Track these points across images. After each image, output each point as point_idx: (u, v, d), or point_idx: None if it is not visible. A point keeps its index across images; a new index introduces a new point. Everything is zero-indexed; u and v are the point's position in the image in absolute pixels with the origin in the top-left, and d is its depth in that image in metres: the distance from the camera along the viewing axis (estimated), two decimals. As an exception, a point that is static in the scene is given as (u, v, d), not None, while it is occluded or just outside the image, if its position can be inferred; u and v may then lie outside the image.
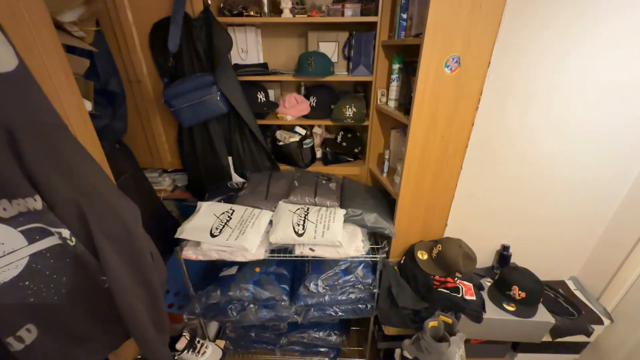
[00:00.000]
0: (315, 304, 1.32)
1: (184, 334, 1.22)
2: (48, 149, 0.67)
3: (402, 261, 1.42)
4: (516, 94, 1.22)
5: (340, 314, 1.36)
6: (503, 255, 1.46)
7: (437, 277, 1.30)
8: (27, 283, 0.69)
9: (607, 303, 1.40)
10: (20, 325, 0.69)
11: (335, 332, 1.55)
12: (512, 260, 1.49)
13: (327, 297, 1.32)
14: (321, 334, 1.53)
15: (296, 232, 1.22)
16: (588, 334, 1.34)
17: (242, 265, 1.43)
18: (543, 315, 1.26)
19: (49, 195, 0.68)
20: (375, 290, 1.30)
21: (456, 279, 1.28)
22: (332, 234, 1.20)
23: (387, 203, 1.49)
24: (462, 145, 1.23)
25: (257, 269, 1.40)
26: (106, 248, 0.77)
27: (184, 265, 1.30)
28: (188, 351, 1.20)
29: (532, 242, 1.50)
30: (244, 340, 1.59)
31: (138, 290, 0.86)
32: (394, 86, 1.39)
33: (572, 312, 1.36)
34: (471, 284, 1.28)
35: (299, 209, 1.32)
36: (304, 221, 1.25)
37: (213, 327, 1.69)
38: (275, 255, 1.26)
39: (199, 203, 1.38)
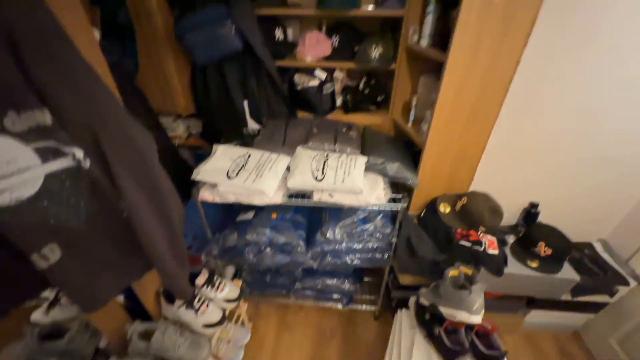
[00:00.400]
0: (331, 251, 1.31)
1: (202, 271, 1.25)
2: (54, 60, 0.61)
3: (421, 214, 1.38)
4: (574, 30, 1.05)
5: (356, 262, 1.36)
6: (530, 212, 1.38)
7: (459, 230, 1.25)
8: (45, 204, 0.67)
9: (637, 265, 1.33)
10: (43, 244, 0.69)
11: (349, 280, 1.57)
12: (539, 219, 1.42)
13: (344, 245, 1.31)
14: (335, 281, 1.56)
15: (315, 178, 1.17)
16: (612, 294, 1.30)
17: (258, 210, 1.42)
18: (568, 273, 1.22)
19: (58, 112, 0.63)
20: (393, 240, 1.27)
21: (479, 232, 1.23)
22: (353, 180, 1.15)
23: (410, 155, 1.40)
24: (503, 88, 1.10)
25: (274, 215, 1.39)
26: (123, 175, 0.74)
27: (201, 208, 1.30)
28: (207, 287, 1.24)
29: (564, 201, 1.41)
30: (259, 283, 1.65)
31: (156, 221, 0.85)
32: (429, 21, 1.22)
33: (597, 272, 1.31)
34: (495, 238, 1.24)
35: (318, 154, 1.26)
36: (324, 166, 1.20)
37: (229, 272, 1.75)
38: (293, 200, 1.23)
39: (214, 146, 1.34)
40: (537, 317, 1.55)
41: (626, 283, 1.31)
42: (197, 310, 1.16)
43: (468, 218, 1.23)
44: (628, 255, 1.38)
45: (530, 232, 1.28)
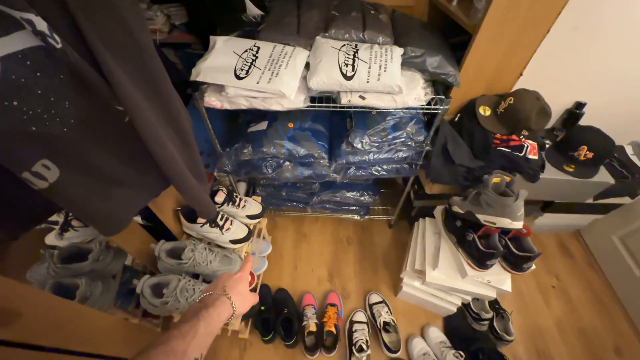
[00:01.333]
0: (357, 162, 1.21)
1: (220, 188, 1.16)
2: None
3: (456, 119, 1.24)
4: None
5: (382, 173, 1.27)
6: (574, 113, 1.26)
7: (498, 136, 1.14)
8: (15, 103, 0.48)
9: (667, 167, 1.30)
10: (33, 160, 0.53)
11: (369, 192, 1.53)
12: (580, 121, 1.31)
13: (371, 155, 1.19)
14: (354, 193, 1.52)
15: (344, 75, 0.96)
16: (633, 195, 1.31)
17: (272, 120, 1.24)
18: (603, 176, 1.18)
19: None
20: (427, 148, 1.16)
21: (522, 136, 1.12)
22: (391, 77, 0.95)
23: (449, 46, 1.16)
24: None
25: (291, 125, 1.22)
26: (109, 60, 0.53)
27: (206, 117, 1.11)
28: (228, 204, 1.16)
29: (608, 103, 1.28)
30: (275, 198, 1.59)
31: (165, 125, 0.69)
32: None
33: (626, 174, 1.28)
34: (536, 143, 1.14)
35: (344, 45, 1.02)
36: (354, 60, 0.98)
37: (241, 189, 1.68)
38: (317, 105, 1.05)
39: (211, 38, 1.06)
40: (546, 219, 1.60)
41: (650, 185, 1.30)
42: (221, 228, 1.10)
43: (512, 120, 1.10)
44: (659, 157, 1.34)
45: (572, 135, 1.18)
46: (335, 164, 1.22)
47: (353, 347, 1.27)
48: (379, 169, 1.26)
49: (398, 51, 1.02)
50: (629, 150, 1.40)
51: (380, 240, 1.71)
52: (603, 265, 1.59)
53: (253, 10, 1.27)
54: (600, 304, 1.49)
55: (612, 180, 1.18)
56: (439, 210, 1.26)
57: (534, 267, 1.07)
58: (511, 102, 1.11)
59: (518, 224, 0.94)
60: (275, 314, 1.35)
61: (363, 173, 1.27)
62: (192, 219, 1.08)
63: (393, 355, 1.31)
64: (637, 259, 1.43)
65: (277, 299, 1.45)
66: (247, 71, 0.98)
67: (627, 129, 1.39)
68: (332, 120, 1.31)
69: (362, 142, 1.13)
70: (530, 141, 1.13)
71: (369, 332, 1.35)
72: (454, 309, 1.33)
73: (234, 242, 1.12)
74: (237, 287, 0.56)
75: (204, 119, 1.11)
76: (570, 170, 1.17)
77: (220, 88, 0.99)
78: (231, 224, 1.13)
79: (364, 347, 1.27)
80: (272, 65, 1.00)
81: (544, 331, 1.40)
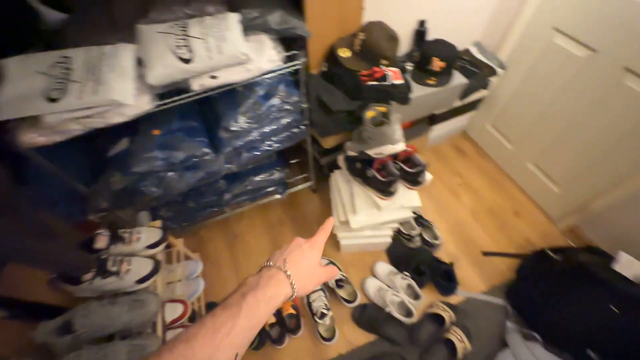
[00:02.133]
0: (244, 145, 1.14)
1: (97, 232, 0.98)
2: None
3: (323, 69, 1.24)
4: None
5: (276, 145, 1.23)
6: (420, 31, 1.37)
7: (363, 72, 1.18)
8: None
9: (502, 55, 1.53)
10: None
11: (277, 168, 1.49)
12: (427, 37, 1.43)
13: (255, 133, 1.13)
14: (263, 176, 1.46)
15: (182, 59, 0.86)
16: (486, 86, 1.52)
17: (132, 135, 1.08)
18: (457, 79, 1.33)
19: None
20: (305, 106, 1.15)
21: (382, 66, 1.18)
22: (233, 46, 0.88)
23: (295, 6, 1.12)
24: None
25: (156, 132, 1.07)
26: None
27: (42, 159, 0.90)
28: (116, 245, 1.00)
29: (443, 15, 1.41)
30: (185, 213, 1.45)
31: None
32: None
33: (475, 71, 1.47)
34: (397, 69, 1.21)
35: (170, 27, 0.90)
36: (186, 40, 0.87)
37: (144, 217, 1.48)
38: (169, 101, 0.93)
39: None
40: (436, 131, 1.79)
41: (494, 73, 1.52)
42: (117, 273, 0.95)
43: (369, 54, 1.14)
44: (495, 48, 1.56)
45: (424, 50, 1.28)
46: (223, 155, 1.13)
47: (315, 317, 1.29)
48: (271, 142, 1.22)
49: (233, 17, 0.94)
50: (474, 51, 1.60)
51: (310, 208, 1.72)
52: (489, 152, 1.87)
53: (51, 15, 1.02)
54: (496, 183, 1.77)
55: (465, 80, 1.34)
56: (341, 160, 1.29)
57: (430, 177, 1.18)
58: (362, 37, 1.14)
59: (400, 146, 1.01)
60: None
61: (257, 153, 1.21)
62: (76, 281, 0.91)
63: (354, 304, 1.38)
64: (506, 136, 1.71)
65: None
66: (62, 89, 0.80)
67: (467, 33, 1.57)
68: (204, 110, 1.19)
69: (238, 123, 1.06)
70: (391, 68, 1.20)
71: (326, 296, 1.39)
72: (390, 239, 1.44)
73: (140, 281, 0.99)
74: (302, 261, 0.44)
75: (41, 162, 0.90)
76: (432, 82, 1.29)
77: (33, 119, 0.80)
78: (129, 264, 0.98)
79: (325, 311, 1.30)
80: (93, 73, 0.83)
81: (463, 223, 1.62)
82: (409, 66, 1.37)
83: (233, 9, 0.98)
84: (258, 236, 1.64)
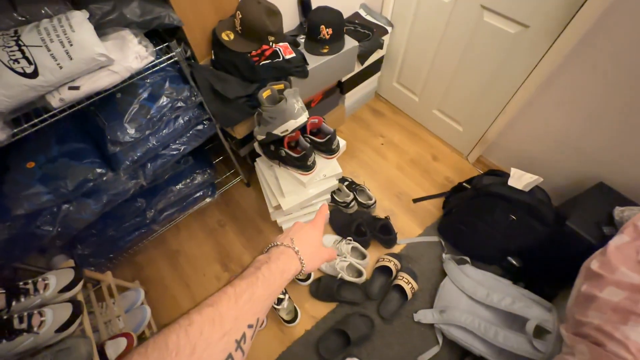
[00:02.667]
0: (144, 155, 1.05)
1: (-11, 292, 0.85)
2: None
3: (212, 57, 1.17)
4: None
5: (182, 147, 1.16)
6: (304, 1, 1.36)
7: (253, 53, 1.14)
8: None
9: (387, 13, 1.60)
10: None
11: (197, 172, 1.42)
12: (312, 6, 1.43)
13: (152, 140, 1.05)
14: (184, 182, 1.38)
15: (23, 74, 0.74)
16: (381, 46, 1.59)
17: (1, 174, 0.92)
18: (348, 43, 1.36)
19: None
20: (199, 99, 1.08)
21: (271, 43, 1.16)
22: (84, 47, 0.78)
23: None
24: None
25: (31, 164, 0.94)
26: None
27: None
28: (19, 301, 0.87)
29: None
30: (108, 244, 1.32)
31: None
32: None
33: (368, 33, 1.53)
34: (287, 43, 1.20)
35: (-1, 38, 0.76)
36: (22, 51, 0.75)
37: (59, 260, 1.31)
38: (27, 126, 0.81)
39: None
40: (350, 99, 1.85)
41: (386, 32, 1.60)
42: (28, 330, 0.84)
43: (252, 32, 1.10)
44: (380, 7, 1.63)
45: (310, 20, 1.28)
46: (122, 172, 1.03)
47: (273, 304, 1.30)
48: (176, 146, 1.14)
49: (79, 16, 0.82)
50: (362, 13, 1.65)
51: (247, 203, 1.68)
52: (402, 108, 1.99)
53: None
54: (413, 135, 1.91)
55: (356, 43, 1.38)
56: (256, 146, 1.26)
57: (343, 143, 1.22)
58: (240, 16, 1.09)
59: (302, 119, 1.02)
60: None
61: (163, 161, 1.13)
62: (-26, 351, 0.78)
63: (308, 282, 1.41)
64: (411, 90, 1.83)
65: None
66: None
67: (351, -3, 1.61)
68: (86, 127, 1.06)
69: (126, 133, 0.97)
70: (280, 44, 1.18)
71: (280, 281, 1.40)
72: (328, 211, 1.48)
73: (61, 329, 0.88)
74: (307, 239, 0.48)
75: None
76: (326, 50, 1.31)
77: None
78: (43, 315, 0.87)
79: (282, 296, 1.31)
80: None
81: (392, 178, 1.73)
82: (302, 39, 1.37)
83: (78, 6, 0.86)
84: (200, 244, 1.56)
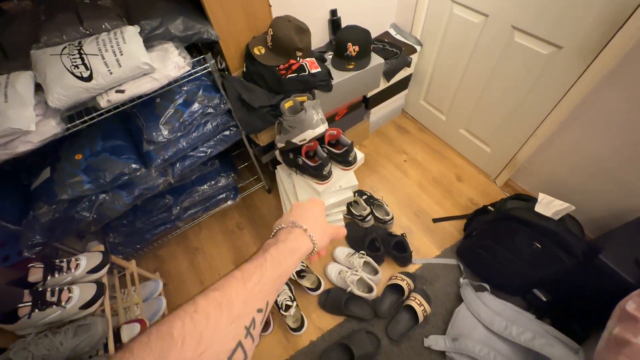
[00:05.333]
0: (174, 155, 1.14)
1: (30, 265, 0.95)
2: None
3: (244, 69, 1.27)
4: None
5: (211, 150, 1.25)
6: (334, 21, 1.43)
7: (281, 67, 1.21)
8: None
9: (417, 32, 1.63)
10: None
11: (222, 175, 1.50)
12: (342, 24, 1.50)
13: (182, 141, 1.14)
14: (209, 184, 1.47)
15: (81, 77, 0.86)
16: (409, 64, 1.61)
17: (53, 163, 1.06)
18: (374, 60, 1.40)
19: None
20: (228, 107, 1.17)
21: (298, 58, 1.22)
22: (132, 57, 0.89)
23: (192, 3, 1.14)
24: None
25: (79, 156, 1.06)
26: None
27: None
28: (53, 276, 0.97)
29: (351, 2, 1.49)
30: (136, 235, 1.43)
31: None
32: None
33: (396, 52, 1.56)
34: (313, 58, 1.26)
35: (65, 47, 0.89)
36: (82, 58, 0.87)
37: (93, 246, 1.44)
38: (79, 122, 0.92)
39: None
40: (375, 115, 1.87)
41: (414, 50, 1.62)
42: (57, 303, 0.93)
43: (282, 48, 1.18)
44: (409, 27, 1.66)
45: (338, 38, 1.34)
46: (154, 169, 1.13)
47: (281, 310, 1.31)
48: (203, 148, 1.23)
49: (131, 30, 0.95)
50: (392, 32, 1.69)
51: (267, 209, 1.74)
52: (427, 125, 1.97)
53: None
54: (438, 153, 1.87)
55: (382, 60, 1.41)
56: (277, 154, 1.32)
57: (361, 155, 1.24)
58: (272, 33, 1.18)
59: (320, 129, 1.06)
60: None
61: (190, 161, 1.22)
62: (12, 317, 0.88)
63: (319, 292, 1.41)
64: (438, 108, 1.81)
65: (195, 322, 1.36)
66: (-44, 126, 0.78)
67: (381, 16, 1.66)
68: (129, 127, 1.19)
69: (161, 134, 1.06)
70: (307, 59, 1.25)
71: (291, 288, 1.41)
72: (344, 223, 1.48)
73: (85, 306, 0.97)
74: (312, 215, 0.45)
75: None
76: (352, 67, 1.36)
77: None
78: (70, 292, 0.96)
79: (289, 303, 1.32)
80: (-13, 104, 0.81)
81: (412, 196, 1.69)
82: (329, 55, 1.43)
83: (132, 22, 0.99)
84: (218, 245, 1.63)
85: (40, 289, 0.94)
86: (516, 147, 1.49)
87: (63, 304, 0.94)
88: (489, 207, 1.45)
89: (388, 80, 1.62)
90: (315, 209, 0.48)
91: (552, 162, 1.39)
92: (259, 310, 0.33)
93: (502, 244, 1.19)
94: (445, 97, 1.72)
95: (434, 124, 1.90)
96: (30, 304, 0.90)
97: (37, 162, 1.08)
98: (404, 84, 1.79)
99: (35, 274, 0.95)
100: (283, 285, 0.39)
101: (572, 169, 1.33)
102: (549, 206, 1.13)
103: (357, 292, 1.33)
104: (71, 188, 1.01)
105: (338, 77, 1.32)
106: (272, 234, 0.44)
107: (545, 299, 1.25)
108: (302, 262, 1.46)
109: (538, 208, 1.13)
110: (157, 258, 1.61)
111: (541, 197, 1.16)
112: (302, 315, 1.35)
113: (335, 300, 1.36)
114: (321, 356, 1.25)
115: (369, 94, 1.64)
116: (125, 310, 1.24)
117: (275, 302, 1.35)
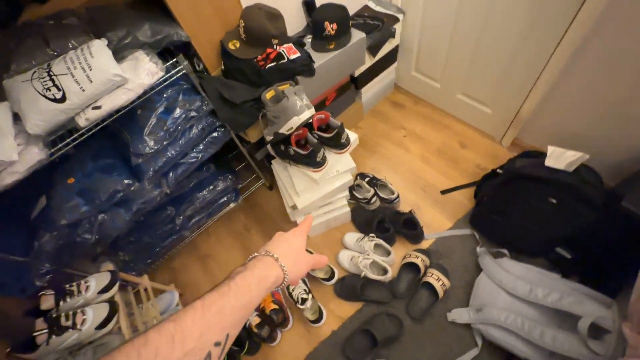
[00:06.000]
0: (165, 164, 1.13)
1: (40, 294, 0.96)
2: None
3: (222, 67, 1.23)
4: None
5: (201, 155, 1.23)
6: (307, 3, 1.37)
7: (259, 58, 1.17)
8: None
9: (397, 0, 1.55)
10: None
11: (219, 178, 1.48)
12: (317, 5, 1.43)
13: (170, 150, 1.12)
14: (208, 189, 1.45)
15: (54, 99, 0.84)
16: (393, 34, 1.54)
17: (48, 190, 1.06)
18: (355, 36, 1.34)
19: None
20: (210, 107, 1.14)
21: (275, 46, 1.18)
22: (101, 71, 0.87)
23: (160, 9, 1.11)
24: None
25: (71, 180, 1.06)
26: None
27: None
28: (65, 301, 0.98)
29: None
30: (146, 251, 1.43)
31: None
32: None
33: (378, 24, 1.48)
34: (291, 44, 1.21)
35: (35, 72, 0.88)
36: (52, 80, 0.85)
37: (105, 267, 1.46)
38: (62, 145, 0.91)
39: None
40: (367, 94, 1.80)
41: (397, 20, 1.54)
42: (73, 327, 0.94)
43: (256, 38, 1.14)
44: (390, -4, 1.58)
45: (314, 19, 1.29)
46: (146, 181, 1.12)
47: (297, 304, 1.30)
48: (194, 154, 1.21)
49: (98, 44, 0.92)
50: (372, 5, 1.61)
51: (270, 206, 1.72)
52: (423, 96, 1.89)
53: None
54: (437, 123, 1.80)
55: (363, 35, 1.35)
56: (270, 148, 1.29)
57: (355, 136, 1.19)
58: (244, 24, 1.13)
59: (305, 115, 1.01)
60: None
61: (183, 168, 1.20)
62: (31, 346, 0.89)
63: (332, 282, 1.38)
64: (431, 76, 1.73)
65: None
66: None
67: (358, -10, 1.58)
68: (115, 144, 1.17)
69: (147, 145, 1.05)
70: (284, 45, 1.20)
71: (305, 281, 1.39)
72: (349, 208, 1.45)
73: (100, 326, 0.97)
74: (287, 246, 0.45)
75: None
76: (332, 47, 1.30)
77: None
78: (84, 314, 0.97)
79: (305, 296, 1.30)
80: (-32, 141, 0.81)
81: (416, 171, 1.64)
82: (309, 39, 1.37)
83: (99, 35, 0.96)
84: (228, 248, 1.63)
85: (54, 315, 0.95)
86: (518, 103, 1.40)
87: (78, 326, 0.95)
88: (497, 170, 1.39)
89: (374, 56, 1.56)
90: (293, 239, 0.47)
91: (558, 113, 1.31)
92: (217, 344, 0.31)
93: (516, 205, 1.13)
94: (437, 63, 1.64)
95: (430, 93, 1.82)
96: (46, 331, 0.91)
97: (33, 192, 1.09)
98: (391, 57, 1.72)
99: (47, 301, 0.96)
100: (250, 314, 0.38)
101: (581, 116, 1.25)
102: (560, 158, 1.06)
103: (372, 276, 1.30)
104: (68, 212, 1.02)
105: (319, 59, 1.27)
106: (244, 263, 0.43)
107: (569, 256, 1.19)
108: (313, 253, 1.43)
109: (549, 162, 1.06)
110: (171, 269, 1.62)
111: (551, 150, 1.09)
112: (319, 307, 1.33)
113: (351, 287, 1.33)
114: (344, 344, 1.23)
115: (357, 73, 1.58)
116: (145, 325, 1.25)
117: (291, 296, 1.34)
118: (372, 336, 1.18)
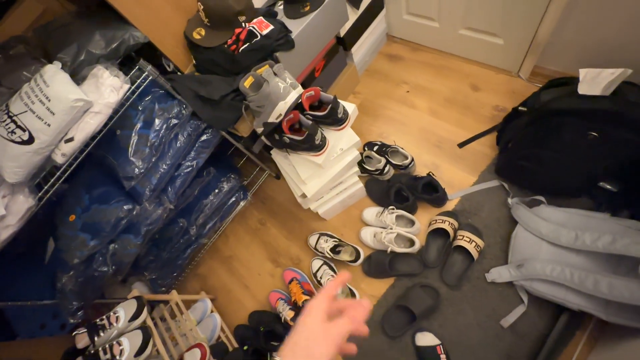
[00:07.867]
0: (159, 181, 1.07)
1: (75, 333, 0.97)
2: None
3: (194, 62, 1.11)
4: None
5: (196, 162, 1.16)
6: (268, -37, 1.19)
7: (229, 42, 1.04)
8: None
9: None
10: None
11: (222, 179, 1.42)
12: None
13: (161, 165, 1.05)
14: (214, 193, 1.40)
15: (22, 142, 0.78)
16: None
17: (53, 232, 1.04)
18: (332, -11, 1.16)
19: None
20: (190, 110, 1.04)
21: (243, 24, 1.04)
22: (60, 99, 0.78)
23: (112, 11, 0.98)
24: None
25: (72, 217, 1.03)
26: None
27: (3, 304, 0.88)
28: (99, 336, 0.99)
29: None
30: (168, 266, 1.43)
31: None
32: None
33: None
34: (260, 17, 1.06)
35: (-6, 115, 0.81)
36: (14, 121, 0.78)
37: (135, 292, 1.48)
38: (48, 187, 0.86)
39: None
40: (358, 54, 1.62)
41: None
42: (112, 359, 0.95)
43: (220, 20, 1.00)
44: None
45: (281, -19, 1.12)
46: (147, 202, 1.07)
47: (328, 291, 1.26)
48: (188, 163, 1.14)
49: (50, 70, 0.83)
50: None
51: (281, 196, 1.65)
52: (421, 42, 1.68)
53: None
54: (442, 68, 1.61)
55: (340, -14, 1.16)
56: (265, 139, 1.19)
57: (353, 107, 1.07)
58: (202, 6, 1.00)
59: (292, 96, 0.90)
60: (257, 339, 1.29)
61: (181, 180, 1.14)
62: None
63: (359, 262, 1.33)
64: (426, 15, 1.52)
65: (253, 326, 1.38)
66: None
67: None
68: (102, 171, 1.11)
69: (135, 167, 0.98)
70: (254, 21, 1.05)
71: (331, 267, 1.36)
72: (362, 184, 1.36)
73: (138, 353, 0.98)
74: (296, 337, 0.38)
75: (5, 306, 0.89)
76: (307, 8, 1.13)
77: None
78: (120, 344, 0.98)
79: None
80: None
81: (427, 127, 1.50)
82: (281, 6, 1.21)
83: (51, 58, 0.87)
84: (248, 246, 1.61)
85: (92, 351, 0.96)
86: (535, 24, 1.20)
87: (118, 357, 0.96)
88: (519, 108, 1.22)
89: (357, 7, 1.37)
90: (302, 328, 0.39)
91: (586, 23, 1.10)
92: None
93: (547, 147, 1.00)
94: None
95: (428, 36, 1.62)
96: (88, 369, 0.92)
97: (40, 237, 1.08)
98: (377, 4, 1.52)
99: (82, 339, 0.97)
100: None
101: (614, 21, 1.04)
102: (595, 81, 0.90)
103: (399, 250, 1.23)
104: (78, 250, 0.99)
105: (296, 27, 1.12)
106: None
107: (615, 189, 1.06)
108: (335, 240, 1.38)
109: (582, 89, 0.91)
110: (198, 277, 1.63)
111: (583, 73, 0.93)
112: (350, 289, 1.29)
113: (379, 264, 1.28)
114: (382, 322, 1.20)
115: (342, 32, 1.41)
116: (184, 338, 1.27)
117: (320, 284, 1.31)
118: (410, 310, 1.14)
